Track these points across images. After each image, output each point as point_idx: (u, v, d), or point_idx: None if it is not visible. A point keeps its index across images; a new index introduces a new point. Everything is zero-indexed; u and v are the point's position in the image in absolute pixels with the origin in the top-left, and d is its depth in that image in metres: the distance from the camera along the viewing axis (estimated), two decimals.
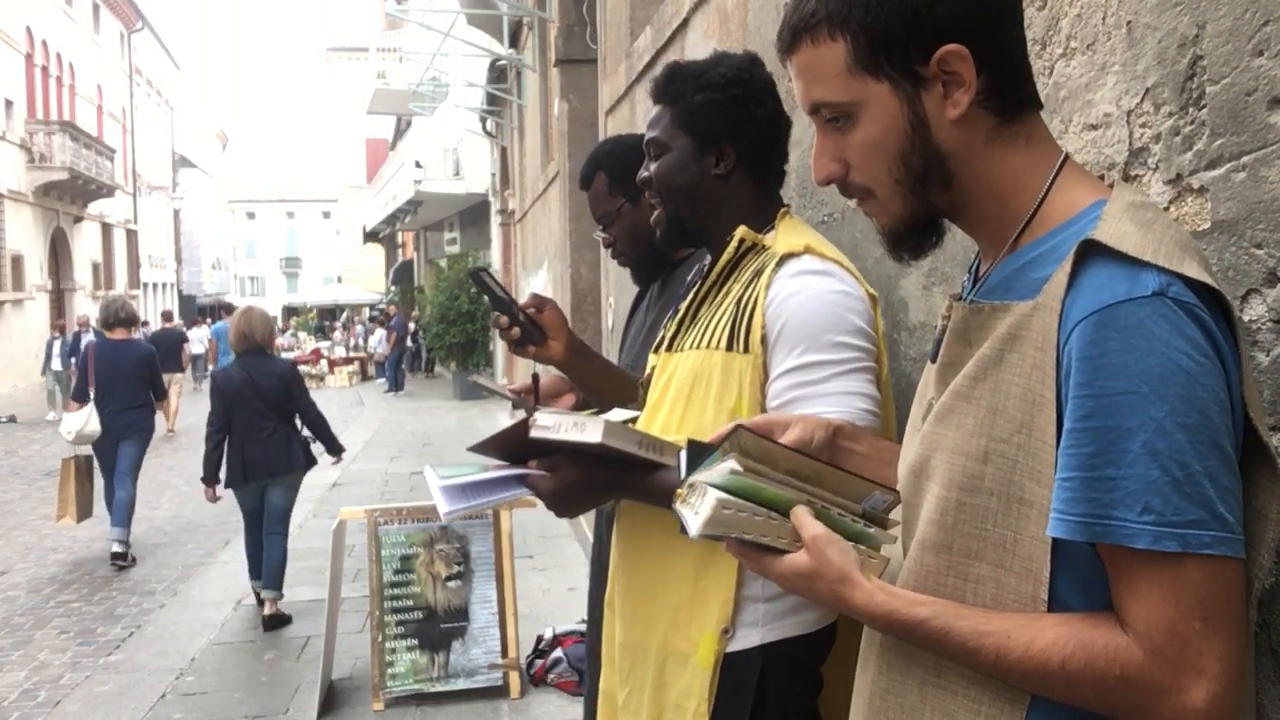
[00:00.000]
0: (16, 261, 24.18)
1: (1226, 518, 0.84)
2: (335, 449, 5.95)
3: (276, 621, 5.31)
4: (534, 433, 1.44)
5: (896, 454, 1.19)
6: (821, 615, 1.57)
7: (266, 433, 5.37)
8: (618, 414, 1.70)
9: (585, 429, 1.41)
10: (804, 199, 2.66)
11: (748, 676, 1.53)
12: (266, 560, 5.40)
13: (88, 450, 6.84)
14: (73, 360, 14.95)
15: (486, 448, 1.57)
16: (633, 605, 1.66)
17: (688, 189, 1.73)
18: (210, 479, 5.51)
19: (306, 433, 5.66)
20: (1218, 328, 0.87)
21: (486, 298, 1.90)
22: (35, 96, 26.92)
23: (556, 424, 1.43)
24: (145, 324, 21.86)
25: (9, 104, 24.93)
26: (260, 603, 5.41)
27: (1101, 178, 1.38)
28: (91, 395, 6.76)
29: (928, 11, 0.96)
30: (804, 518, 1.01)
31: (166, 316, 20.54)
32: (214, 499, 5.66)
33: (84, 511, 6.82)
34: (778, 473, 1.04)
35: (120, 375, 6.81)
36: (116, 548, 6.82)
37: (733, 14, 3.27)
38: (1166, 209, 1.26)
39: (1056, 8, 1.49)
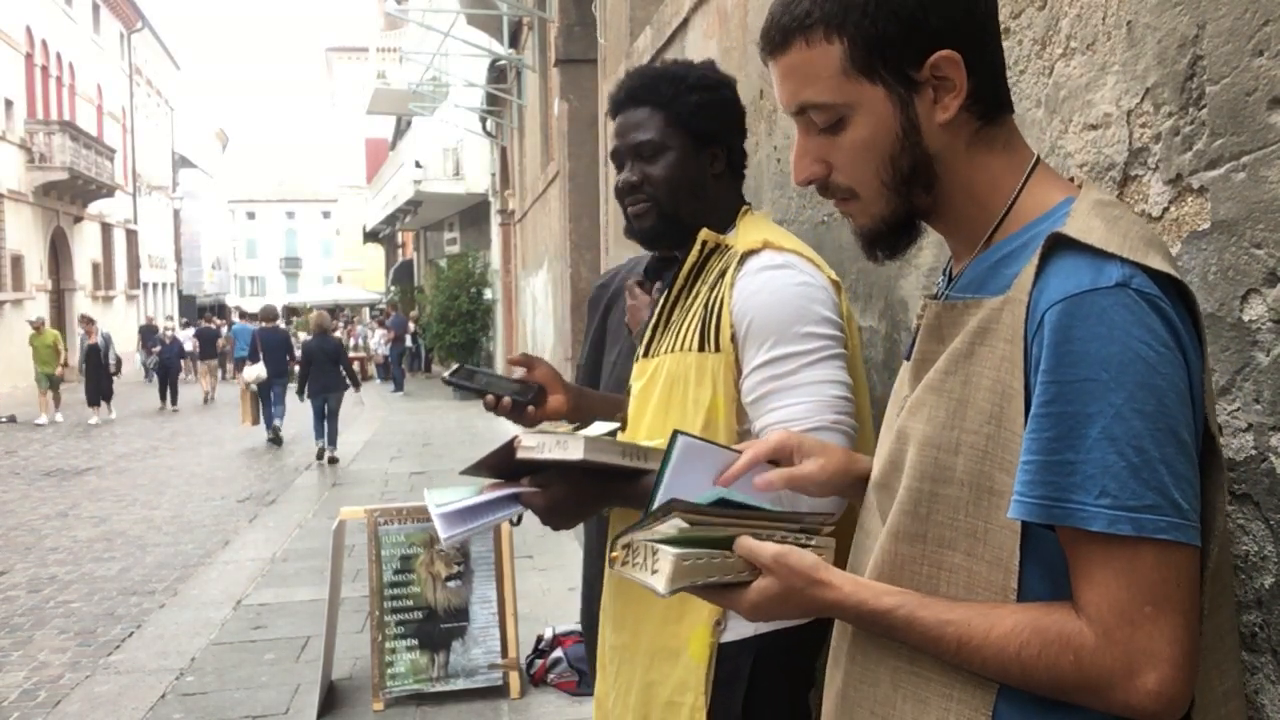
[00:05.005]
0: (16, 261, 24.18)
1: (1182, 505, 0.85)
2: (356, 384, 12.37)
3: (332, 460, 11.30)
4: (520, 454, 1.50)
5: None
6: None
7: (326, 371, 11.58)
8: (598, 427, 1.72)
9: (567, 447, 1.46)
10: (804, 199, 2.66)
11: (741, 666, 1.55)
12: (329, 431, 11.45)
13: (255, 387, 13.04)
14: None
15: (479, 469, 1.61)
16: (621, 608, 1.68)
17: (690, 187, 1.73)
18: (299, 393, 11.62)
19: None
20: (1180, 320, 0.88)
21: (474, 389, 1.85)
22: (35, 96, 26.91)
23: (540, 444, 1.49)
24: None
25: (9, 104, 24.92)
26: (321, 454, 11.45)
27: (1101, 178, 1.38)
28: (262, 357, 12.95)
29: (924, 17, 0.97)
30: (753, 544, 1.03)
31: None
32: (301, 401, 11.73)
33: (254, 420, 13.28)
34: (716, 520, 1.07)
35: (272, 347, 12.95)
36: (269, 434, 13.27)
37: (733, 14, 3.27)
38: (1167, 209, 1.26)
39: (1056, 8, 1.49)
